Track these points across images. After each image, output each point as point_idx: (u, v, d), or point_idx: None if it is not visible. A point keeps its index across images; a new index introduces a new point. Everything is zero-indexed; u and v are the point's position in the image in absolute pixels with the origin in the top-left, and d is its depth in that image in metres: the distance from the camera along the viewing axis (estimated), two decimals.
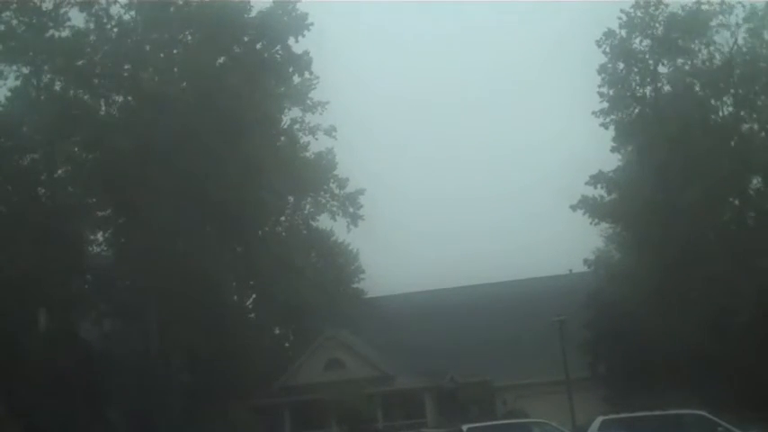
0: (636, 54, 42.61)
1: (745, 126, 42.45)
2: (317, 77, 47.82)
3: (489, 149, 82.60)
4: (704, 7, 41.71)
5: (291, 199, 51.52)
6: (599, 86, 42.50)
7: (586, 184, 42.47)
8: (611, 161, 43.25)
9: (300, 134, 51.50)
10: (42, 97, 42.40)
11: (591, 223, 43.57)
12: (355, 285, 56.01)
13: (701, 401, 28.90)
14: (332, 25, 74.41)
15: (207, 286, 40.87)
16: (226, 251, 42.73)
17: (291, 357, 47.46)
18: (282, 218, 51.82)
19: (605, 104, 42.45)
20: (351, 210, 52.44)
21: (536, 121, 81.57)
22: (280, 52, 43.75)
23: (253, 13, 43.57)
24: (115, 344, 41.44)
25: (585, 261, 43.96)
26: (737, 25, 41.47)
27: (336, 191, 52.86)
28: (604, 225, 44.81)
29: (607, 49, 42.47)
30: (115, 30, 42.41)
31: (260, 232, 47.14)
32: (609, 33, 42.32)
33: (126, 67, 42.66)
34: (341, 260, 55.64)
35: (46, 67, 42.56)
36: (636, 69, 42.74)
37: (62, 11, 42.31)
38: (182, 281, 39.86)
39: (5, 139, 41.33)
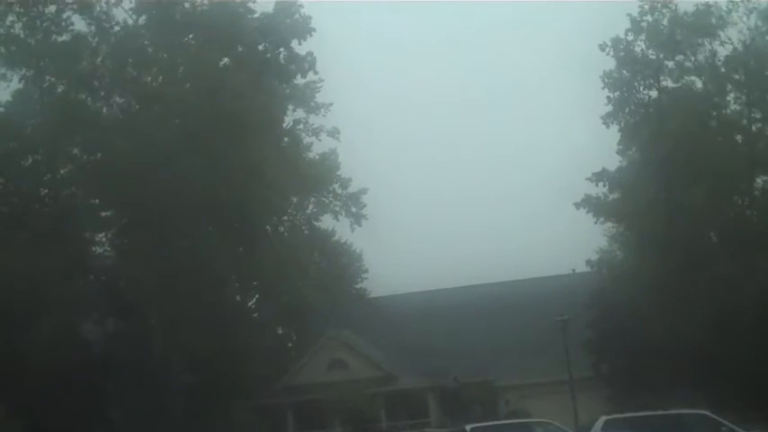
0: (641, 59, 42.23)
1: (751, 125, 42.24)
2: (322, 79, 48.07)
3: (492, 149, 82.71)
4: (711, 9, 41.56)
5: (294, 199, 51.45)
6: (602, 88, 42.28)
7: (588, 179, 42.41)
8: (613, 160, 43.33)
9: (303, 135, 51.65)
10: (45, 99, 42.43)
11: (595, 222, 43.68)
12: (358, 285, 56.10)
13: (704, 401, 28.94)
14: (334, 27, 74.43)
15: (209, 286, 40.88)
16: (228, 251, 42.62)
17: (294, 357, 47.52)
18: (285, 218, 51.75)
19: (610, 108, 42.25)
20: (353, 210, 52.45)
21: (538, 120, 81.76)
22: (283, 53, 43.73)
23: (255, 16, 43.47)
24: (117, 344, 41.40)
25: (588, 261, 44.01)
26: (744, 24, 41.41)
27: (339, 191, 52.90)
28: (607, 225, 44.81)
29: (611, 53, 42.17)
30: (118, 32, 42.38)
31: (263, 232, 47.09)
32: (616, 40, 41.96)
33: (129, 69, 42.66)
34: (344, 260, 55.68)
35: (48, 71, 42.60)
36: (641, 75, 42.40)
37: (64, 15, 42.37)
38: (184, 281, 39.88)
39: (8, 141, 41.33)
